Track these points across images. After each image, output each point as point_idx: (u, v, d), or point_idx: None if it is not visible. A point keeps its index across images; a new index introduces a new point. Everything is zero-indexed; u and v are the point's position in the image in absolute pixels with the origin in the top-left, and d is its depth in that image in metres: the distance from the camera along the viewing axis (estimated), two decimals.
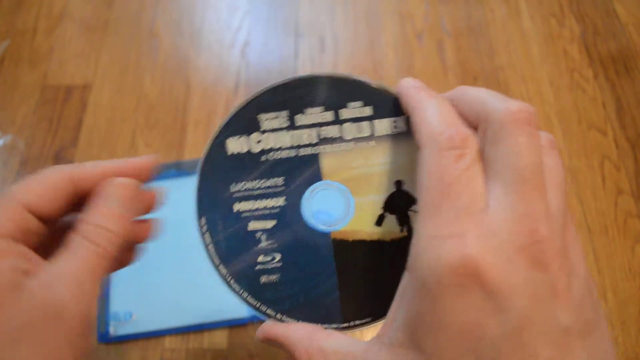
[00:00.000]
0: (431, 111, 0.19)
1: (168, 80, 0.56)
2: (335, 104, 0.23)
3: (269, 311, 0.23)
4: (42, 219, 0.20)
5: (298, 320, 0.22)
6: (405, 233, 0.23)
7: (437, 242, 0.17)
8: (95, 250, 0.19)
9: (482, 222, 0.16)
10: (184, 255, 0.45)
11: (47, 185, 0.20)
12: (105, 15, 0.60)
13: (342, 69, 0.56)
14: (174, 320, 0.42)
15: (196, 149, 0.51)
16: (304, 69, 0.56)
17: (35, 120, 0.53)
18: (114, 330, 0.42)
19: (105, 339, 0.42)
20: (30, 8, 0.61)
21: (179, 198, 0.47)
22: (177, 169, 0.48)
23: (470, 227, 0.16)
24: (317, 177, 0.23)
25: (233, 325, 0.43)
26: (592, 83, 0.55)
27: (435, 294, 0.16)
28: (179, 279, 0.44)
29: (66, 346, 0.18)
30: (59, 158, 0.51)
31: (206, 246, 0.23)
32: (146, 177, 0.22)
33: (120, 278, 0.43)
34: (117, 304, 0.43)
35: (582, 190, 0.49)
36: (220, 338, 0.43)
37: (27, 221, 0.19)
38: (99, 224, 0.19)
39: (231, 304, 0.43)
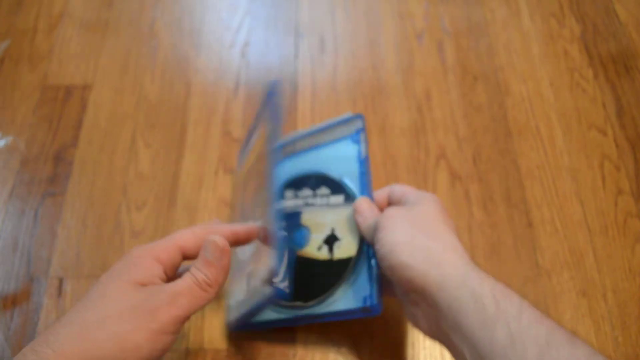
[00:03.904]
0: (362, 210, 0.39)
1: (168, 80, 0.56)
2: (314, 187, 0.43)
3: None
4: (187, 258, 0.33)
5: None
6: (328, 257, 0.40)
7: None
8: (193, 281, 0.31)
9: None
10: None
11: (195, 237, 0.33)
12: (105, 15, 0.60)
13: (342, 69, 0.56)
14: None
15: (196, 149, 0.52)
16: (304, 69, 0.56)
17: (35, 120, 0.53)
18: None
19: None
20: (30, 8, 0.61)
21: None
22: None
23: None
24: (298, 222, 0.43)
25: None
26: (592, 83, 0.55)
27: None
28: None
29: (172, 318, 0.30)
30: (59, 158, 0.51)
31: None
32: (245, 239, 0.36)
33: None
34: None
35: (582, 190, 0.49)
36: (220, 338, 0.43)
37: (174, 259, 0.32)
38: (198, 267, 0.31)
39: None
